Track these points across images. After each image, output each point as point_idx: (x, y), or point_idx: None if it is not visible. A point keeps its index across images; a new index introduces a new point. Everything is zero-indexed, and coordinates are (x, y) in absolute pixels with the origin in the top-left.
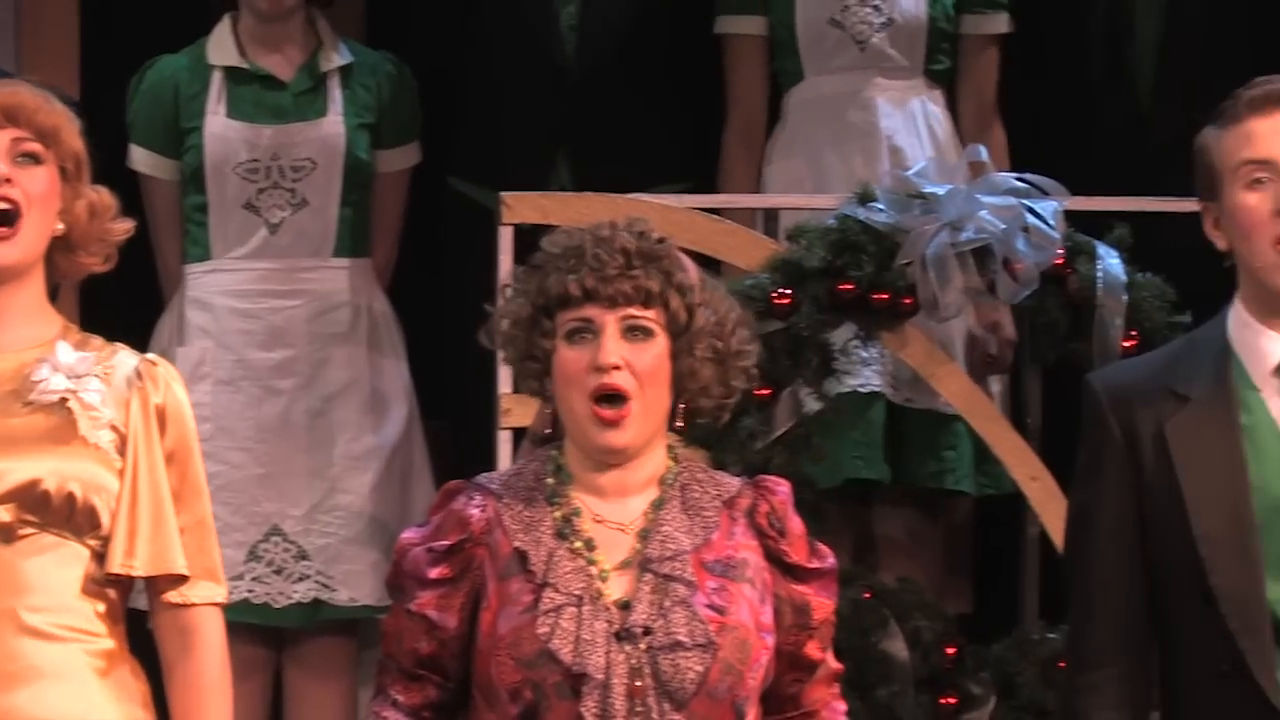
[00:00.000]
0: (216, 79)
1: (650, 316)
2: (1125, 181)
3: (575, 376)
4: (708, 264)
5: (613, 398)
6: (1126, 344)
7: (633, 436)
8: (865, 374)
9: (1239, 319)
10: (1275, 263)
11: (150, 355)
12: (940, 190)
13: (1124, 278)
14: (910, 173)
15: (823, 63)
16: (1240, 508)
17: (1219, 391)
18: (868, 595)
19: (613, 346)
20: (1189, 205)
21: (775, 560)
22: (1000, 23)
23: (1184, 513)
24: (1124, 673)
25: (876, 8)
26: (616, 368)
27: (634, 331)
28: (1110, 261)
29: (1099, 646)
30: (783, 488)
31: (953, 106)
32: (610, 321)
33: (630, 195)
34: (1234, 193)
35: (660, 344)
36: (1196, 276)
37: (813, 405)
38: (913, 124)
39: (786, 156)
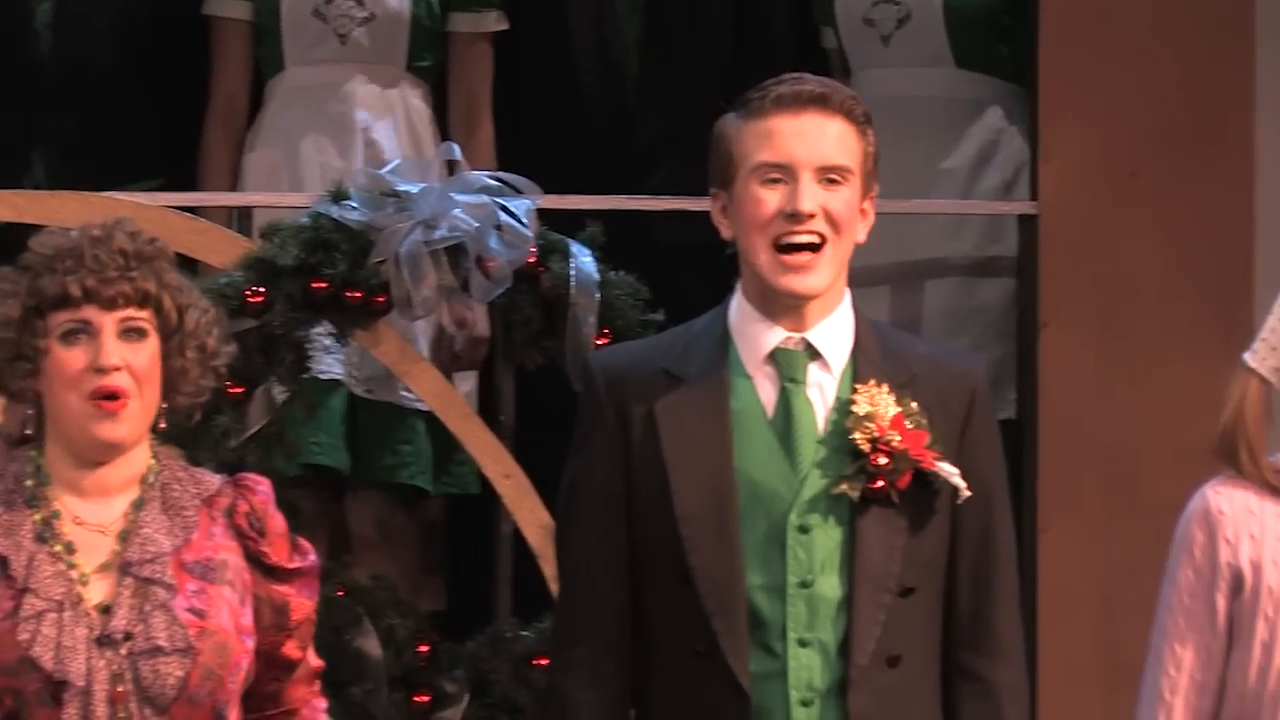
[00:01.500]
0: None
1: (145, 317)
2: (613, 180)
3: (73, 377)
4: (184, 262)
5: (112, 398)
6: (599, 342)
7: (127, 432)
8: (327, 361)
9: (739, 307)
10: (773, 263)
11: None
12: (414, 188)
13: (596, 276)
14: (384, 171)
15: (304, 53)
16: (723, 491)
17: (711, 375)
18: (341, 593)
19: (112, 348)
20: (664, 203)
21: (255, 561)
22: (491, 20)
23: (668, 492)
24: (605, 649)
25: (360, 2)
26: (117, 369)
27: (130, 333)
28: (583, 260)
29: (582, 622)
30: (263, 486)
31: (442, 103)
32: (108, 323)
33: (104, 194)
34: (747, 186)
35: (153, 344)
36: (676, 273)
37: (285, 402)
38: (391, 120)
39: (265, 146)
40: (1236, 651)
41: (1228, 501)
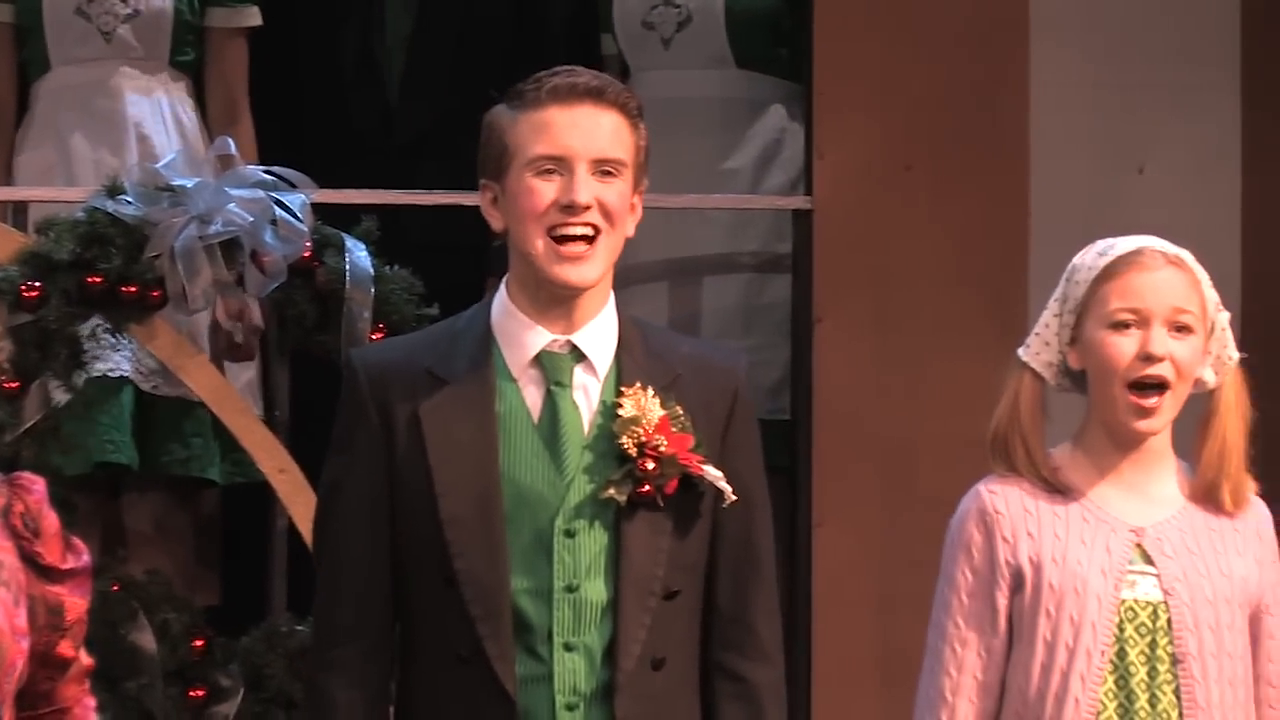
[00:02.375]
0: None
1: None
2: (378, 175)
3: None
4: None
5: None
6: (374, 336)
7: None
8: (115, 359)
9: (504, 308)
10: (548, 253)
11: None
12: (189, 183)
13: (371, 270)
14: (159, 165)
15: (68, 52)
16: (488, 495)
17: (476, 378)
18: (116, 588)
19: None
20: (436, 198)
21: (29, 561)
22: (247, 16)
23: (433, 495)
24: (366, 650)
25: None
26: None
27: None
28: (358, 254)
29: (342, 623)
30: (38, 486)
31: (201, 98)
32: None
33: None
34: (521, 177)
35: None
36: (449, 269)
37: (61, 397)
38: (159, 115)
39: (36, 147)
40: (1018, 650)
41: (1003, 500)
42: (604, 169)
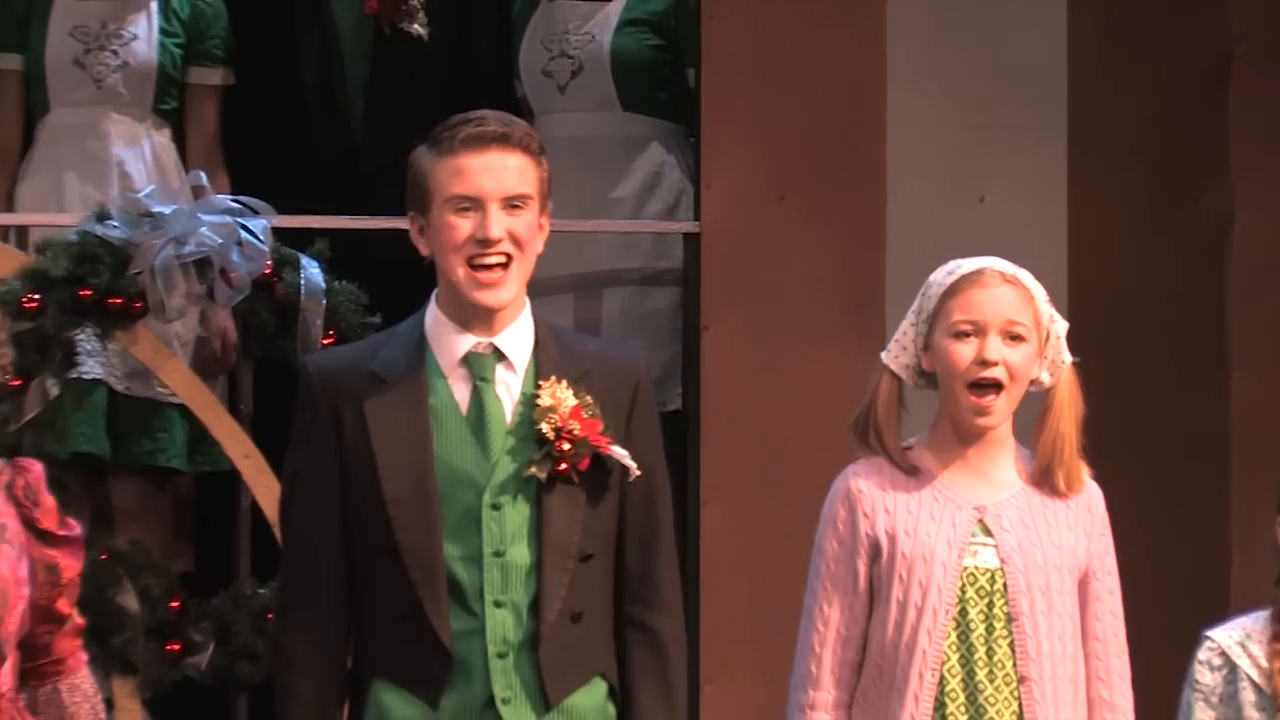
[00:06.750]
0: None
1: None
2: (339, 201)
3: None
4: None
5: None
6: (326, 341)
7: None
8: (89, 364)
9: (435, 317)
10: (468, 280)
11: None
12: (166, 210)
13: (324, 285)
14: (141, 194)
15: (65, 96)
16: (424, 476)
17: (412, 376)
18: (104, 556)
19: None
20: (379, 223)
21: (30, 526)
22: (218, 75)
23: (377, 479)
24: (325, 613)
25: (115, 52)
26: None
27: None
28: (312, 271)
29: (304, 589)
30: (37, 467)
31: (181, 140)
32: None
33: None
34: (442, 214)
35: None
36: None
37: (57, 393)
38: (141, 154)
39: (34, 176)
40: (877, 609)
41: (865, 481)
42: (512, 203)
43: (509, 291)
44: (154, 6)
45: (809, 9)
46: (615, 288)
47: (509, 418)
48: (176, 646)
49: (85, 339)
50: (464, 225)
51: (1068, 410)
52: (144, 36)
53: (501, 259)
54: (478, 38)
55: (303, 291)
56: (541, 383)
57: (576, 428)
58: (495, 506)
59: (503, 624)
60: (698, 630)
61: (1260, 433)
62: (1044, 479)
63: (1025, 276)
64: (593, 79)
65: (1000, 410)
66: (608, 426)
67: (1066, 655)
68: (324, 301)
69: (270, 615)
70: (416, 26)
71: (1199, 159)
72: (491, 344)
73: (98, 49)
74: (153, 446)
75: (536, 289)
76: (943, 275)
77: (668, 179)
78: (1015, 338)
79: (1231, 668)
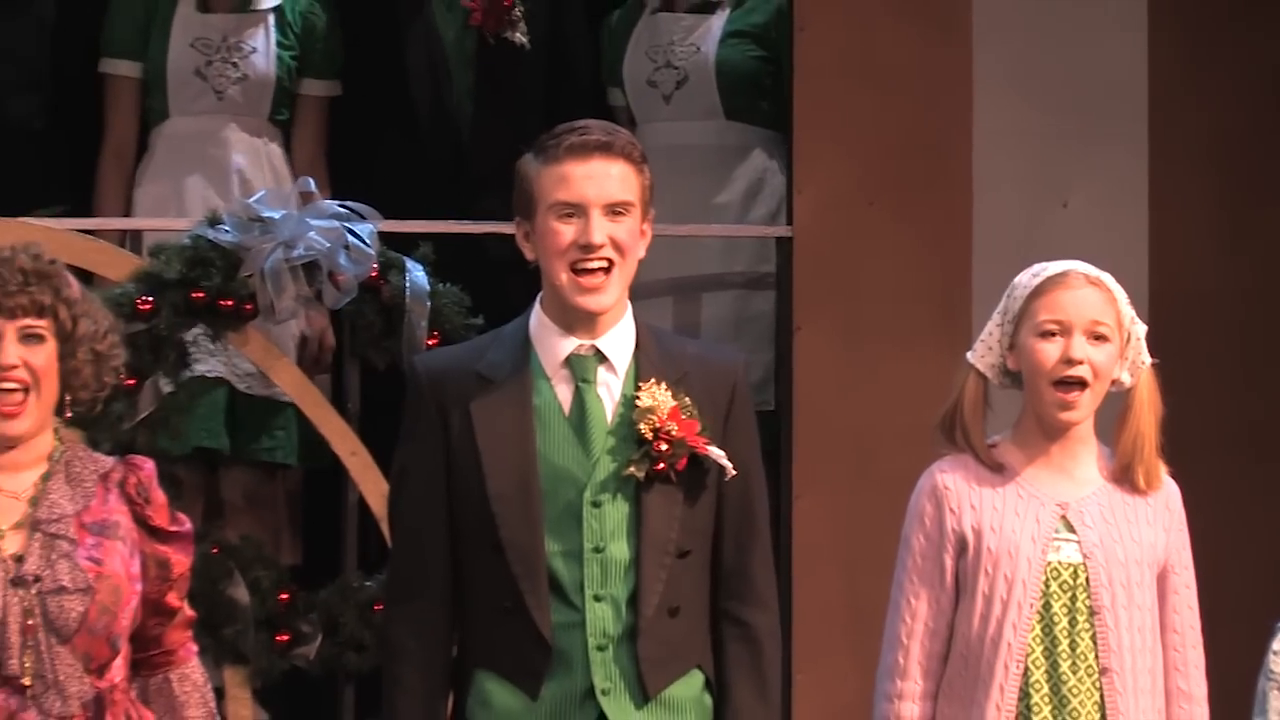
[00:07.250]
0: None
1: (43, 325)
2: (446, 206)
3: None
4: (84, 277)
5: (11, 395)
6: (430, 342)
7: (28, 427)
8: (211, 363)
9: (539, 319)
10: (571, 285)
11: None
12: (276, 215)
13: (428, 287)
14: (251, 200)
15: (185, 105)
16: (527, 474)
17: (516, 377)
18: (216, 550)
19: (11, 350)
20: (483, 228)
21: (141, 523)
22: (330, 88)
23: (481, 476)
24: (431, 604)
25: (235, 64)
26: (15, 366)
27: (29, 338)
28: (417, 274)
29: (410, 583)
30: (148, 465)
31: (287, 147)
32: (10, 329)
33: (15, 219)
34: (546, 220)
35: (50, 348)
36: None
37: (170, 392)
38: (259, 160)
39: (153, 181)
40: (963, 602)
41: (951, 478)
42: (614, 210)
43: (610, 296)
44: (271, 20)
45: (898, 19)
46: (719, 291)
47: (609, 418)
48: (285, 637)
49: (205, 339)
50: (567, 231)
51: (1147, 410)
52: (262, 50)
53: (603, 264)
54: (572, 47)
55: (408, 294)
56: (641, 384)
57: (674, 428)
58: (595, 504)
59: (602, 617)
60: (790, 621)
61: None
62: (1124, 476)
63: (1108, 279)
64: (698, 89)
65: (1084, 406)
66: (705, 427)
67: (1145, 647)
68: (428, 303)
69: (376, 607)
70: (519, 35)
71: (1276, 165)
72: (593, 346)
73: (219, 60)
74: (271, 444)
75: (635, 292)
76: (1028, 277)
77: (770, 185)
78: (1099, 338)
79: None
